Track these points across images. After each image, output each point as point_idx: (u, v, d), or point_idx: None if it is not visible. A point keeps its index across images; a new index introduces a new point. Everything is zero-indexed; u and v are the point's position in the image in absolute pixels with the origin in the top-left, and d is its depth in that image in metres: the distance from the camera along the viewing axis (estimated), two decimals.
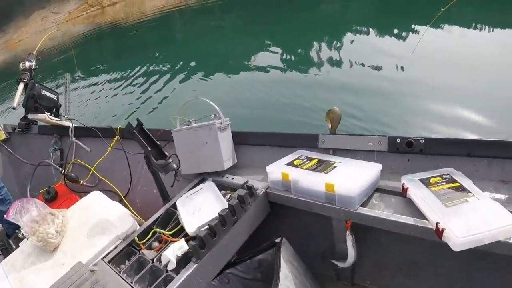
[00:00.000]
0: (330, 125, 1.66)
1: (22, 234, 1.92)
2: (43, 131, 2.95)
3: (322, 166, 1.51)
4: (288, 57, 6.62)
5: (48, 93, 2.76)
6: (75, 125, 2.69)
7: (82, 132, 2.66)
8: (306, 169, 1.52)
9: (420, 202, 1.28)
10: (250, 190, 1.55)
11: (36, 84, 2.64)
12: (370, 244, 1.59)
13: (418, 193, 1.30)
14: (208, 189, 1.73)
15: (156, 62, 8.36)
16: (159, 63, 8.22)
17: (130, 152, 2.24)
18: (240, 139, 1.95)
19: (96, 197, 1.86)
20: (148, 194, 2.27)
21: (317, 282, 1.68)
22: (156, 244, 1.56)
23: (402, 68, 4.81)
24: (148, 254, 1.49)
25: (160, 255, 1.43)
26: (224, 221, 1.42)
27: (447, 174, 1.38)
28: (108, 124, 2.56)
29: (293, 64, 6.20)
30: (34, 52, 2.79)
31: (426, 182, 1.35)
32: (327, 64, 5.74)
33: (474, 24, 5.86)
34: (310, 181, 1.45)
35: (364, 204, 1.39)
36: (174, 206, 1.70)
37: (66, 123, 2.75)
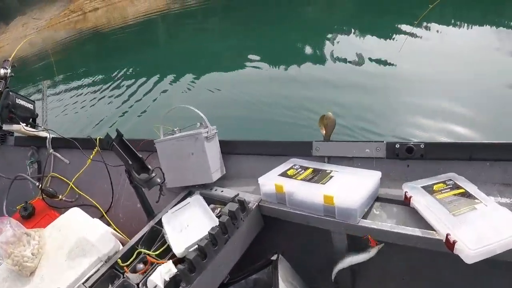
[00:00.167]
0: (324, 132, 1.57)
1: None
2: (20, 143, 2.81)
3: (318, 176, 1.41)
4: (275, 60, 6.56)
5: (24, 102, 2.62)
6: (53, 136, 2.56)
7: (60, 143, 2.54)
8: (301, 179, 1.42)
9: (425, 211, 1.21)
10: (242, 204, 1.44)
11: (10, 93, 2.50)
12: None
13: (422, 202, 1.22)
14: (196, 203, 1.62)
15: (138, 69, 8.26)
16: (142, 70, 8.11)
17: (111, 164, 2.11)
18: (228, 149, 1.85)
19: (75, 214, 1.73)
20: (131, 208, 2.15)
21: None
22: (141, 266, 1.43)
23: (390, 64, 4.86)
24: (133, 277, 1.37)
25: (146, 278, 1.31)
26: (215, 240, 1.31)
27: (450, 179, 1.31)
28: (88, 135, 2.43)
29: (279, 67, 6.16)
30: (10, 59, 2.64)
31: (429, 190, 1.28)
32: (315, 65, 5.78)
33: (454, 22, 6.02)
34: (306, 193, 1.35)
35: (365, 216, 1.30)
36: (160, 222, 1.58)
37: (43, 133, 2.63)
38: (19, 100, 2.56)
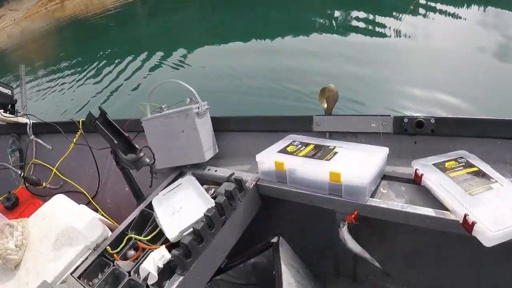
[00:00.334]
0: (326, 105, 1.46)
1: None
2: None
3: (321, 153, 1.32)
4: (266, 37, 6.50)
5: (1, 88, 2.46)
6: (34, 121, 2.42)
7: (42, 129, 2.40)
8: (303, 156, 1.32)
9: (438, 190, 1.13)
10: (239, 183, 1.34)
11: None
12: (374, 235, 1.43)
13: (435, 180, 1.14)
14: (188, 184, 1.52)
15: (117, 50, 8.07)
16: (122, 52, 7.90)
17: (95, 148, 1.99)
18: (220, 126, 1.74)
19: (59, 201, 1.63)
20: (119, 192, 2.05)
21: (318, 282, 1.51)
22: (132, 252, 1.34)
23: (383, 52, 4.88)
24: (124, 265, 1.27)
25: (138, 266, 1.22)
26: (211, 222, 1.21)
27: (461, 157, 1.24)
28: (71, 118, 2.29)
29: (270, 44, 6.05)
30: None
31: (441, 167, 1.20)
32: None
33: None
34: (309, 170, 1.26)
35: (372, 195, 1.22)
36: (150, 206, 1.48)
37: (23, 120, 2.49)
38: None
